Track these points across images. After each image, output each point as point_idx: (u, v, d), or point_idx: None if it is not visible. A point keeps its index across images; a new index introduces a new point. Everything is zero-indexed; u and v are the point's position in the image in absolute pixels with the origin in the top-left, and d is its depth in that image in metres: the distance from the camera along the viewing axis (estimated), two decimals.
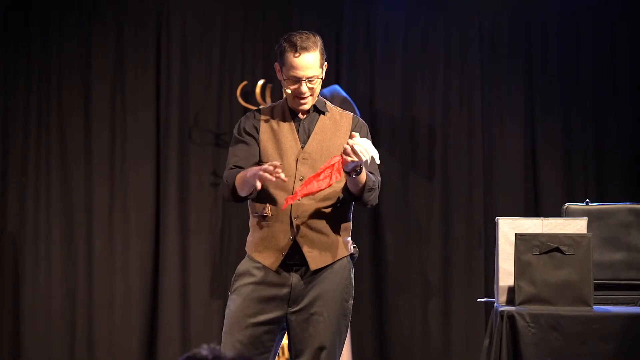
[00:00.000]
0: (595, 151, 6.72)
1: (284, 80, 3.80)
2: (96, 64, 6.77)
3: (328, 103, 3.93)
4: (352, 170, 3.66)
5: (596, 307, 4.02)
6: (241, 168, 3.78)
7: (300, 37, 3.75)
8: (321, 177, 3.63)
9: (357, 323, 6.59)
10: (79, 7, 6.79)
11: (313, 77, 3.76)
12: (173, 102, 6.75)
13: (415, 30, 6.82)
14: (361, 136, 3.74)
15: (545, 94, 6.77)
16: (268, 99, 6.45)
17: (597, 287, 4.15)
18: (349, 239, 3.86)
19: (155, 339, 6.66)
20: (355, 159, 3.59)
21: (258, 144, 3.83)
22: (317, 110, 3.87)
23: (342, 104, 6.33)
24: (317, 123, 3.85)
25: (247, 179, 3.66)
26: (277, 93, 6.55)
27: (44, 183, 6.73)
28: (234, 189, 3.75)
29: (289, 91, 3.79)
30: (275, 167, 3.59)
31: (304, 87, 3.76)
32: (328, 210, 3.79)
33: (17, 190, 6.75)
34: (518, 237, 4.02)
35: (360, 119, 3.94)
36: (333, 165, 3.63)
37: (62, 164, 6.74)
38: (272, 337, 3.82)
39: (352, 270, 3.87)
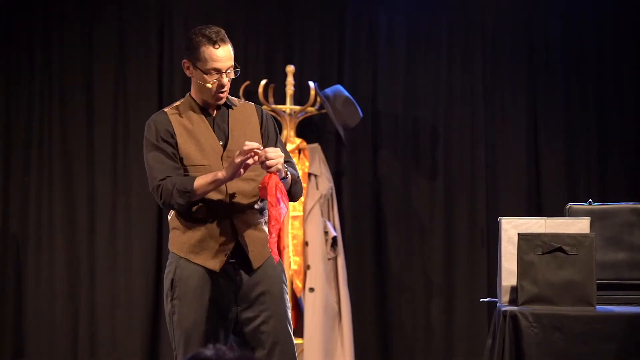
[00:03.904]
0: (598, 151, 6.73)
1: (203, 74, 3.74)
2: (98, 64, 6.78)
3: (229, 95, 3.89)
4: (283, 175, 3.71)
5: (599, 307, 4.02)
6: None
7: (214, 31, 3.74)
8: (276, 205, 3.62)
9: (360, 322, 6.59)
10: (81, 7, 6.79)
11: (231, 67, 3.75)
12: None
13: (418, 30, 6.83)
14: (269, 124, 3.87)
15: (548, 93, 6.77)
16: (270, 99, 6.45)
17: (600, 287, 4.14)
18: None
19: (158, 339, 6.66)
20: (279, 165, 3.62)
21: (176, 148, 3.78)
22: (225, 105, 3.86)
23: (345, 104, 6.34)
24: (230, 118, 3.84)
25: (223, 177, 3.64)
26: (279, 93, 6.56)
27: (46, 183, 6.73)
28: (193, 195, 3.68)
29: (209, 85, 3.74)
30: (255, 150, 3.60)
31: (225, 79, 3.75)
32: (259, 205, 3.80)
33: (20, 190, 6.75)
34: (521, 236, 4.02)
35: (260, 106, 3.95)
36: (272, 191, 3.62)
37: (65, 164, 6.75)
38: (227, 336, 3.81)
39: None
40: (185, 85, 6.77)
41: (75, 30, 6.79)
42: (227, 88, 3.79)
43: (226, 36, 3.78)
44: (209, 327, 3.75)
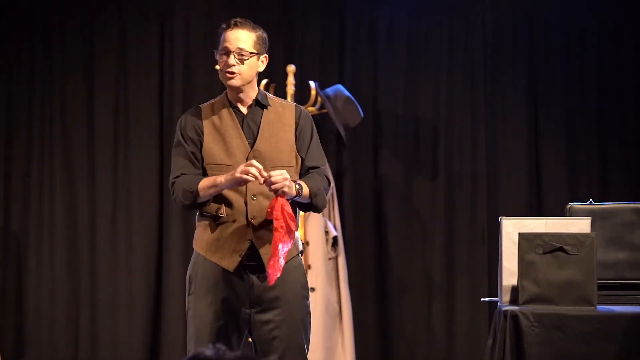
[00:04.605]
0: (599, 150, 6.72)
1: (217, 57, 3.79)
2: (99, 64, 6.78)
3: (269, 95, 3.89)
4: (294, 194, 3.68)
5: (600, 307, 4.02)
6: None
7: (239, 19, 3.84)
8: (279, 229, 3.60)
9: (361, 322, 6.59)
10: (81, 8, 6.79)
11: (242, 50, 3.76)
12: (176, 102, 6.75)
13: (419, 30, 6.82)
14: (305, 126, 3.81)
15: (549, 93, 6.77)
16: None
17: (601, 287, 4.14)
18: (298, 234, 3.84)
19: (159, 338, 6.66)
20: (285, 188, 3.60)
21: (201, 146, 3.78)
22: (260, 104, 3.83)
23: (346, 104, 6.34)
24: (262, 118, 3.81)
25: (221, 184, 3.65)
26: (280, 93, 6.56)
27: (47, 183, 6.74)
28: (197, 195, 3.71)
29: (217, 67, 3.79)
30: (259, 171, 3.59)
31: (232, 60, 3.74)
32: None
33: (21, 190, 6.75)
34: (522, 236, 4.02)
35: (303, 108, 3.91)
36: (278, 214, 3.60)
37: (66, 163, 6.75)
38: (240, 337, 3.80)
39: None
40: (187, 85, 6.78)
41: (75, 30, 6.79)
42: (236, 71, 3.75)
43: (252, 27, 3.84)
44: (221, 325, 3.75)
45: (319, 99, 6.42)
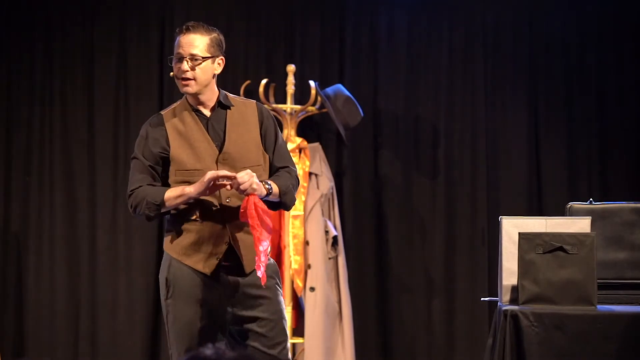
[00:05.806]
0: (599, 150, 6.72)
1: (172, 64, 3.77)
2: (100, 63, 6.77)
3: (229, 95, 3.88)
4: (265, 192, 3.69)
5: (600, 307, 4.02)
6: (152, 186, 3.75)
7: (192, 23, 3.77)
8: (258, 227, 3.63)
9: (361, 321, 6.59)
10: (82, 8, 6.79)
11: (195, 55, 3.72)
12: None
13: (419, 29, 6.82)
14: (269, 125, 3.81)
15: (549, 93, 6.77)
16: (271, 98, 6.45)
17: (601, 286, 4.14)
18: None
19: (159, 338, 6.66)
20: (253, 185, 3.61)
21: (166, 157, 3.75)
22: (222, 105, 3.82)
23: (346, 104, 6.34)
24: (227, 120, 3.80)
25: (190, 194, 3.65)
26: (280, 92, 6.56)
27: (47, 183, 6.73)
28: (162, 207, 3.70)
29: (171, 74, 3.78)
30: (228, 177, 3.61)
31: (185, 65, 3.71)
32: None
33: (21, 189, 6.75)
34: (522, 236, 4.02)
35: (264, 106, 3.91)
36: (252, 213, 3.62)
37: (66, 163, 6.74)
38: (221, 337, 3.81)
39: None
40: None
41: (76, 30, 6.78)
42: (190, 76, 3.74)
43: (206, 30, 3.76)
44: (202, 327, 3.75)
45: (319, 98, 6.41)
